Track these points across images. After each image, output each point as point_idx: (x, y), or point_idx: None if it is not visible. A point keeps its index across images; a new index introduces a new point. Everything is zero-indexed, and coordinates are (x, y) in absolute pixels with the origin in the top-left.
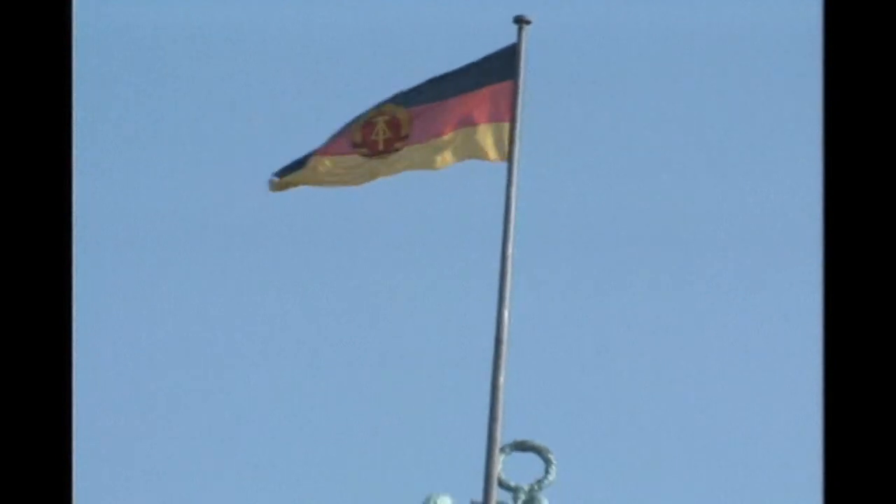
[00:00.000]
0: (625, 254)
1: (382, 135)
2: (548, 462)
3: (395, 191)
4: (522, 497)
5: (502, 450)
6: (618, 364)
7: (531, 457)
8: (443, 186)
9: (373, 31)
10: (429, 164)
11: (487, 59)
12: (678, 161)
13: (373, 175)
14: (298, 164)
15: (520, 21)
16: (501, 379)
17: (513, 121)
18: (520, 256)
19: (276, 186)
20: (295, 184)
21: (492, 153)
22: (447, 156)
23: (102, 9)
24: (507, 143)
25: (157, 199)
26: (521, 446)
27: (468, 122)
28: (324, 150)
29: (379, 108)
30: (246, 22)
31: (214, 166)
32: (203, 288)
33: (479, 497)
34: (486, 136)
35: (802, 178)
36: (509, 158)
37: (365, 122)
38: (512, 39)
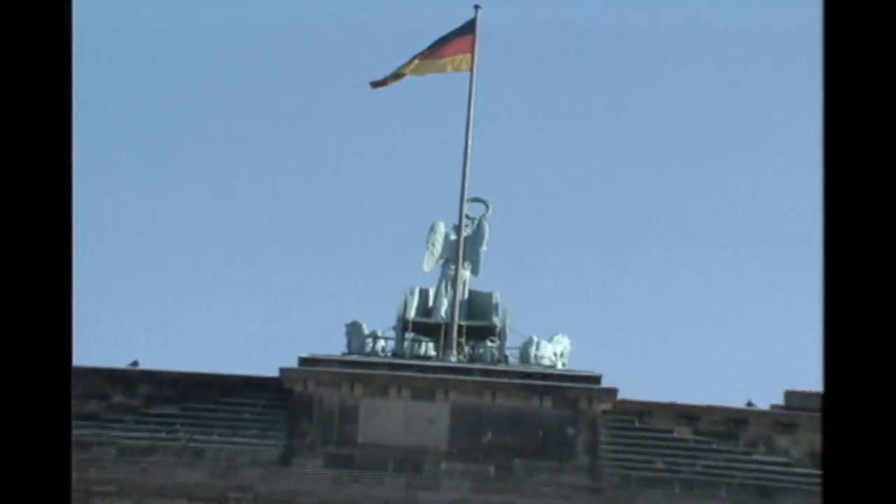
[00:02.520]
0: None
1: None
2: (487, 207)
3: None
4: (476, 223)
5: (468, 201)
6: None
7: (481, 204)
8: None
9: (366, 25)
10: (428, 72)
11: (458, 29)
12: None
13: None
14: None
15: (476, 7)
16: (468, 166)
17: (472, 52)
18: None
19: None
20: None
21: (461, 67)
22: (438, 68)
23: (102, 9)
24: (469, 62)
25: (156, 196)
26: (476, 199)
27: (448, 54)
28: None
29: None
30: (246, 22)
31: (214, 165)
32: None
33: (456, 222)
34: (457, 60)
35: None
36: (471, 70)
37: (397, 73)
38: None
